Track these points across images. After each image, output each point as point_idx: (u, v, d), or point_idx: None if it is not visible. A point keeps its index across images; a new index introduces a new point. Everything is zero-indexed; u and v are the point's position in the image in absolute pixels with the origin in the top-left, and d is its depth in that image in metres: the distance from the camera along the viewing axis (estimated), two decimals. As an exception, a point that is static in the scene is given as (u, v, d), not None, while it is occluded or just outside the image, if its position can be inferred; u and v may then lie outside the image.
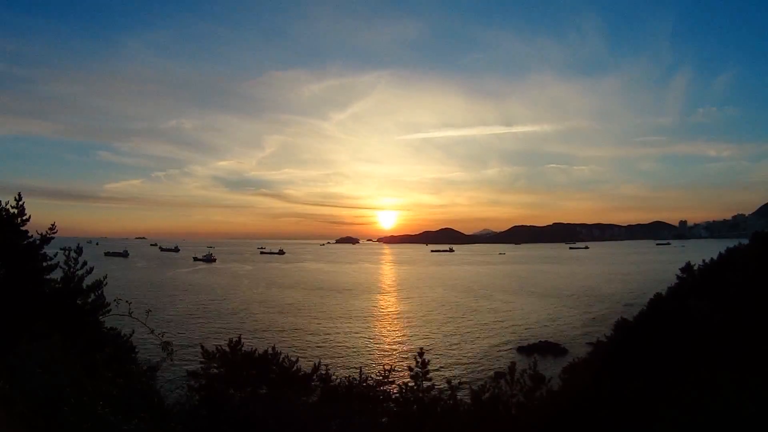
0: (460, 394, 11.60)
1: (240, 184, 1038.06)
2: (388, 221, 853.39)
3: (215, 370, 12.37)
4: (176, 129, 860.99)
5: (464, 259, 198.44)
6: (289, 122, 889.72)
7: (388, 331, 53.28)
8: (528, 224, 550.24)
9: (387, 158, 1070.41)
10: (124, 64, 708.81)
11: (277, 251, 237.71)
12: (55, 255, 11.80)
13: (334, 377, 12.67)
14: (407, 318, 60.36)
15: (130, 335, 11.84)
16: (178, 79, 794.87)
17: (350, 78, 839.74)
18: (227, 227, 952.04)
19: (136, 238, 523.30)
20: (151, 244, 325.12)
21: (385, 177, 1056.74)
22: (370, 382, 12.31)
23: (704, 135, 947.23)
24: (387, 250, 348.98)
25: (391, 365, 12.89)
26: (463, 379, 28.77)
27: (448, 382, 11.83)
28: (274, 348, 13.20)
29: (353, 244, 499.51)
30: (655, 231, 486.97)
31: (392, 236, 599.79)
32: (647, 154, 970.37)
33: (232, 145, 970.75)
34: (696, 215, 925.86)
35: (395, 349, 44.22)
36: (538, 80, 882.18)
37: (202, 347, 13.34)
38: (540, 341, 45.03)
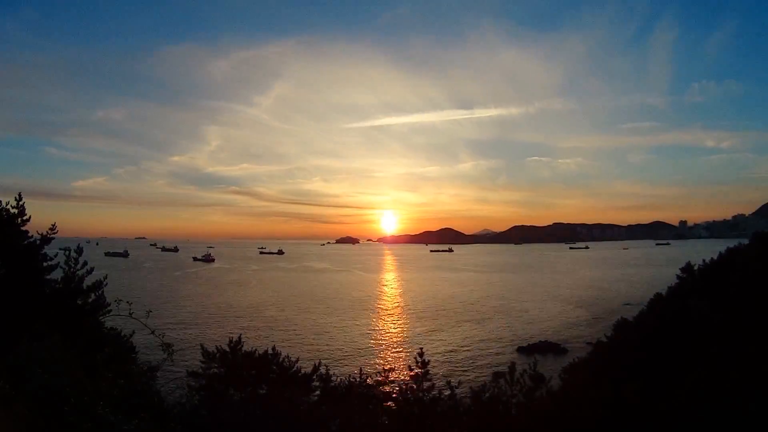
0: (460, 394, 11.59)
1: (205, 181, 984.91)
2: (388, 222, 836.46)
3: (215, 370, 12.36)
4: (107, 120, 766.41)
5: (462, 262, 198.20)
6: (216, 110, 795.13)
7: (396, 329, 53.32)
8: (528, 224, 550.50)
9: (341, 150, 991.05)
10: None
11: (276, 251, 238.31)
12: (56, 255, 11.80)
13: (334, 377, 12.65)
14: (410, 313, 60.44)
15: (131, 335, 11.85)
16: (68, 60, 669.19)
17: (254, 51, 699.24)
18: (218, 227, 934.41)
19: (136, 238, 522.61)
20: (151, 245, 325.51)
21: (350, 172, 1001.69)
22: (370, 382, 12.30)
23: (701, 119, 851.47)
24: (387, 250, 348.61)
25: (391, 365, 12.87)
26: (463, 379, 28.76)
27: (448, 382, 11.82)
28: (274, 348, 13.19)
29: (353, 244, 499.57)
30: (655, 231, 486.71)
31: (392, 236, 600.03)
32: (637, 144, 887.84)
33: (176, 139, 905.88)
34: (696, 215, 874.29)
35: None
36: (482, 41, 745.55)
37: (202, 347, 13.34)
38: (540, 341, 45.03)
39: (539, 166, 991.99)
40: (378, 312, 64.83)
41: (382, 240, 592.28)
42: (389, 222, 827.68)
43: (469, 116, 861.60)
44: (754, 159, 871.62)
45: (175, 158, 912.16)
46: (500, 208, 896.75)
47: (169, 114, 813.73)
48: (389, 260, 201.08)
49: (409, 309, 67.18)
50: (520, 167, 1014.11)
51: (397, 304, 72.28)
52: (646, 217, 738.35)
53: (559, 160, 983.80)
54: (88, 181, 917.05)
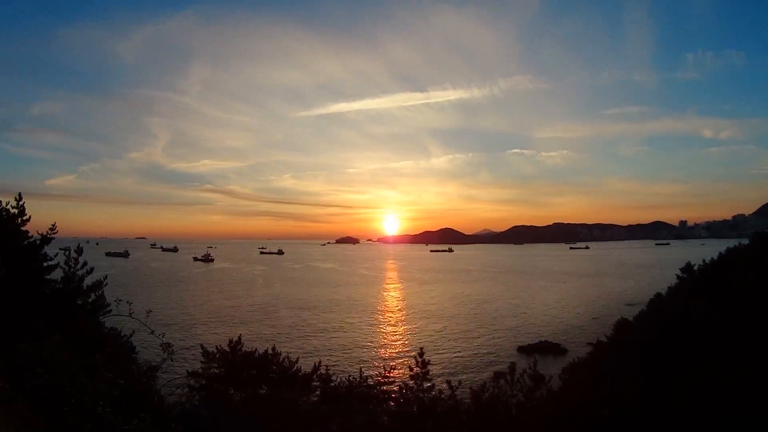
0: (460, 394, 11.59)
1: (172, 178, 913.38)
2: (387, 222, 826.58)
3: (215, 370, 12.37)
4: (48, 116, 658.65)
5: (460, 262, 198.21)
6: (146, 99, 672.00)
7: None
8: (528, 224, 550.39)
9: (297, 143, 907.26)
10: None
11: (276, 251, 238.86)
12: (56, 255, 11.80)
13: (334, 377, 12.66)
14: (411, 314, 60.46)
15: (131, 335, 11.87)
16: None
17: (151, 27, 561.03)
18: (208, 227, 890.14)
19: (136, 238, 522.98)
20: (152, 245, 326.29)
21: (319, 168, 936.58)
22: (370, 382, 12.32)
23: (696, 102, 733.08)
24: (391, 250, 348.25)
25: (391, 365, 12.89)
26: (463, 379, 28.77)
27: (448, 382, 11.83)
28: (274, 348, 13.20)
29: (354, 244, 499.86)
30: (655, 231, 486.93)
31: (392, 237, 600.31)
32: (626, 134, 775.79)
33: (124, 133, 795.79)
34: (696, 215, 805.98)
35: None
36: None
37: (202, 347, 13.36)
38: (540, 341, 45.00)
39: (522, 160, 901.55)
40: (382, 314, 64.97)
41: (382, 240, 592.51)
42: (389, 222, 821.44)
43: (426, 101, 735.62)
44: (757, 152, 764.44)
45: (133, 155, 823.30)
46: (487, 207, 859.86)
47: (103, 106, 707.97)
48: (394, 263, 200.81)
49: (416, 313, 67.25)
50: (500, 162, 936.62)
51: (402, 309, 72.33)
52: (646, 217, 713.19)
53: (543, 154, 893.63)
54: (59, 179, 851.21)
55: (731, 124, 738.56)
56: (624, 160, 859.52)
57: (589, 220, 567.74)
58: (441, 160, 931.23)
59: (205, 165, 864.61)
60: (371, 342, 47.61)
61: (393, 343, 47.65)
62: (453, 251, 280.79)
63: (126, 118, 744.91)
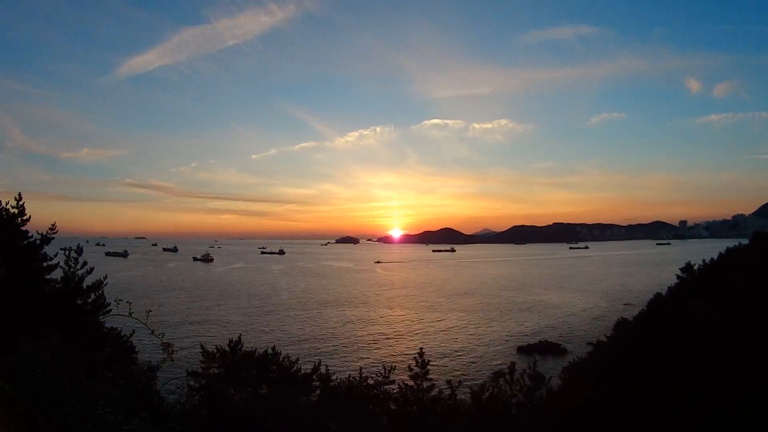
0: (460, 394, 11.59)
1: (79, 170, 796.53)
2: (390, 222, 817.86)
3: (215, 370, 12.36)
4: None
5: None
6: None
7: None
8: (528, 224, 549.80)
9: (173, 127, 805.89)
10: None
11: (277, 251, 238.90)
12: (56, 255, 11.80)
13: (334, 377, 12.65)
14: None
15: (131, 335, 11.86)
16: None
17: None
18: (167, 226, 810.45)
19: (136, 238, 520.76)
20: (152, 245, 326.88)
21: (229, 155, 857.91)
22: (370, 382, 12.30)
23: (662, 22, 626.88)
24: (394, 250, 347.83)
25: (391, 365, 12.87)
26: (463, 379, 28.78)
27: (448, 382, 11.83)
28: (274, 348, 13.18)
29: (354, 244, 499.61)
30: (655, 231, 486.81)
31: (392, 236, 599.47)
32: (562, 79, 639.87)
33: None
34: (696, 215, 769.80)
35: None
36: None
37: (202, 347, 13.33)
38: (540, 341, 45.01)
39: (442, 136, 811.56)
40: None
41: (383, 240, 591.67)
42: (389, 223, 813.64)
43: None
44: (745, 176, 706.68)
45: (34, 143, 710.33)
46: (487, 205, 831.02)
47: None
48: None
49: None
50: (420, 140, 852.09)
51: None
52: (646, 217, 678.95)
53: (476, 126, 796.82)
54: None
55: (727, 117, 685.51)
56: (591, 133, 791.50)
57: (589, 220, 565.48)
58: (356, 143, 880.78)
59: (99, 154, 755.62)
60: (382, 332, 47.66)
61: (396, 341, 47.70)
62: (455, 251, 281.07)
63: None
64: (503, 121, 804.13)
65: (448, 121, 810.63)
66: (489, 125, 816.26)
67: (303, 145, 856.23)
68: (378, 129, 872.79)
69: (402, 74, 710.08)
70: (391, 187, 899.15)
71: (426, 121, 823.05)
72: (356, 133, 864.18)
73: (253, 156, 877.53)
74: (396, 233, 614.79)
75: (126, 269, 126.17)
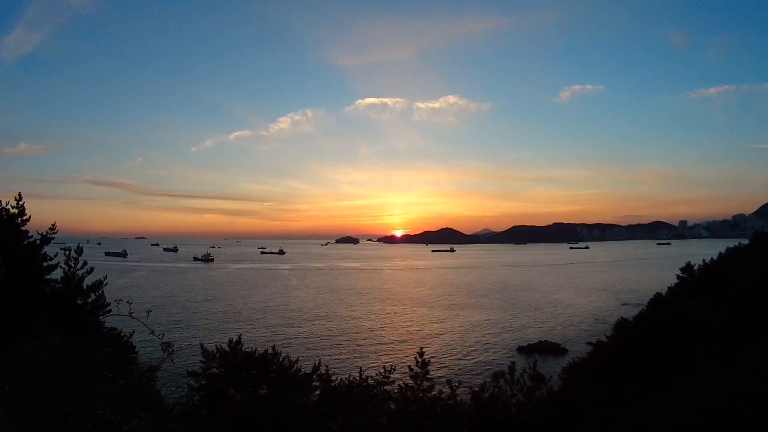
0: (460, 394, 11.59)
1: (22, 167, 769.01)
2: (390, 222, 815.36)
3: (215, 370, 12.37)
4: None
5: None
6: None
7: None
8: (528, 224, 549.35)
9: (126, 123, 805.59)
10: None
11: (277, 251, 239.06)
12: (56, 255, 11.80)
13: (334, 377, 12.65)
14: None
15: (131, 335, 11.86)
16: None
17: None
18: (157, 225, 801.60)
19: (136, 237, 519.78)
20: (152, 244, 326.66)
21: (180, 154, 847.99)
22: (370, 382, 12.29)
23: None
24: (396, 250, 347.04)
25: (391, 365, 12.87)
26: (463, 379, 28.78)
27: (448, 382, 11.82)
28: (274, 348, 13.18)
29: (354, 244, 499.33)
30: (655, 231, 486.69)
31: (392, 236, 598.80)
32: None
33: None
34: (696, 215, 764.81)
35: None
36: None
37: (202, 347, 13.34)
38: (540, 341, 45.01)
39: (385, 120, 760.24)
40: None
41: (383, 240, 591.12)
42: (390, 222, 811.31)
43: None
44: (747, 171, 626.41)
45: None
46: (486, 204, 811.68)
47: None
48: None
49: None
50: (361, 124, 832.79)
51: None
52: (646, 217, 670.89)
53: (420, 105, 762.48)
54: None
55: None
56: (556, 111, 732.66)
57: (590, 220, 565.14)
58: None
59: (38, 149, 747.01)
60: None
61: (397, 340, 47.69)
62: (455, 251, 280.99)
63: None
64: (451, 99, 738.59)
65: (385, 100, 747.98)
66: (436, 104, 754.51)
67: (237, 134, 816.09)
68: (309, 112, 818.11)
69: (304, 39, 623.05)
70: (359, 184, 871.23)
71: (359, 101, 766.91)
72: (287, 118, 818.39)
73: (192, 148, 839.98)
74: (396, 232, 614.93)
75: (127, 271, 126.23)
